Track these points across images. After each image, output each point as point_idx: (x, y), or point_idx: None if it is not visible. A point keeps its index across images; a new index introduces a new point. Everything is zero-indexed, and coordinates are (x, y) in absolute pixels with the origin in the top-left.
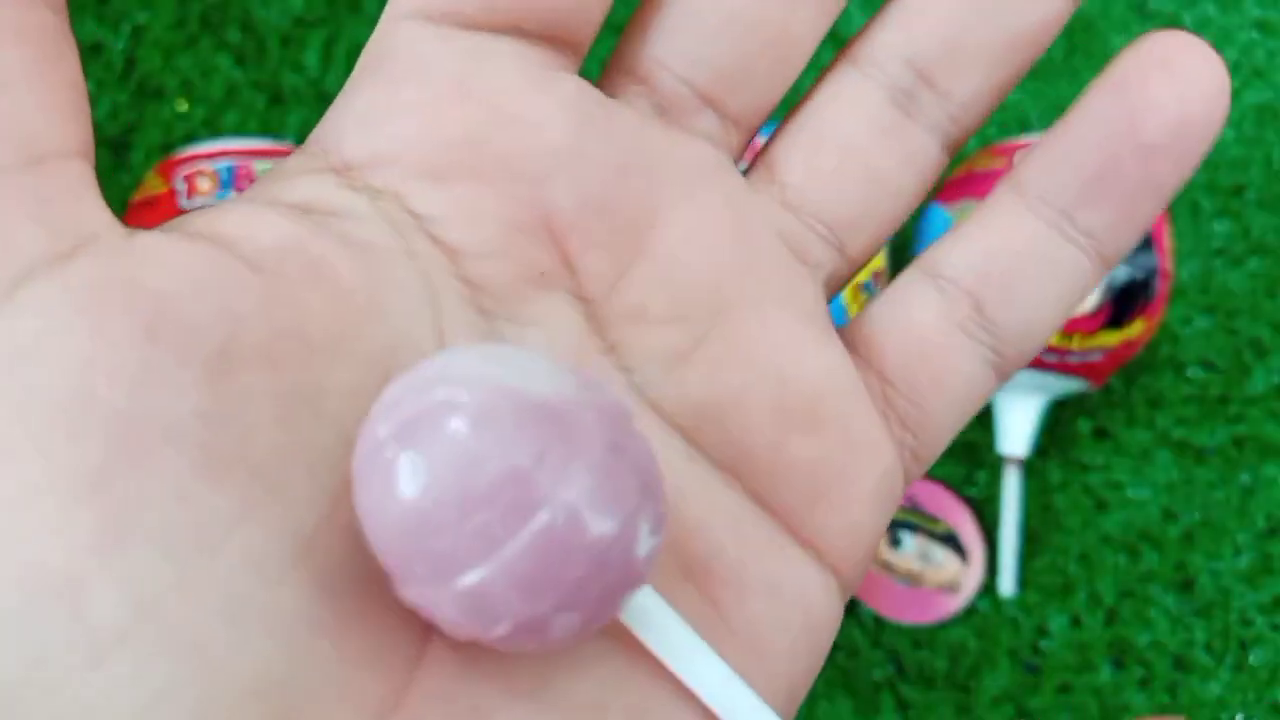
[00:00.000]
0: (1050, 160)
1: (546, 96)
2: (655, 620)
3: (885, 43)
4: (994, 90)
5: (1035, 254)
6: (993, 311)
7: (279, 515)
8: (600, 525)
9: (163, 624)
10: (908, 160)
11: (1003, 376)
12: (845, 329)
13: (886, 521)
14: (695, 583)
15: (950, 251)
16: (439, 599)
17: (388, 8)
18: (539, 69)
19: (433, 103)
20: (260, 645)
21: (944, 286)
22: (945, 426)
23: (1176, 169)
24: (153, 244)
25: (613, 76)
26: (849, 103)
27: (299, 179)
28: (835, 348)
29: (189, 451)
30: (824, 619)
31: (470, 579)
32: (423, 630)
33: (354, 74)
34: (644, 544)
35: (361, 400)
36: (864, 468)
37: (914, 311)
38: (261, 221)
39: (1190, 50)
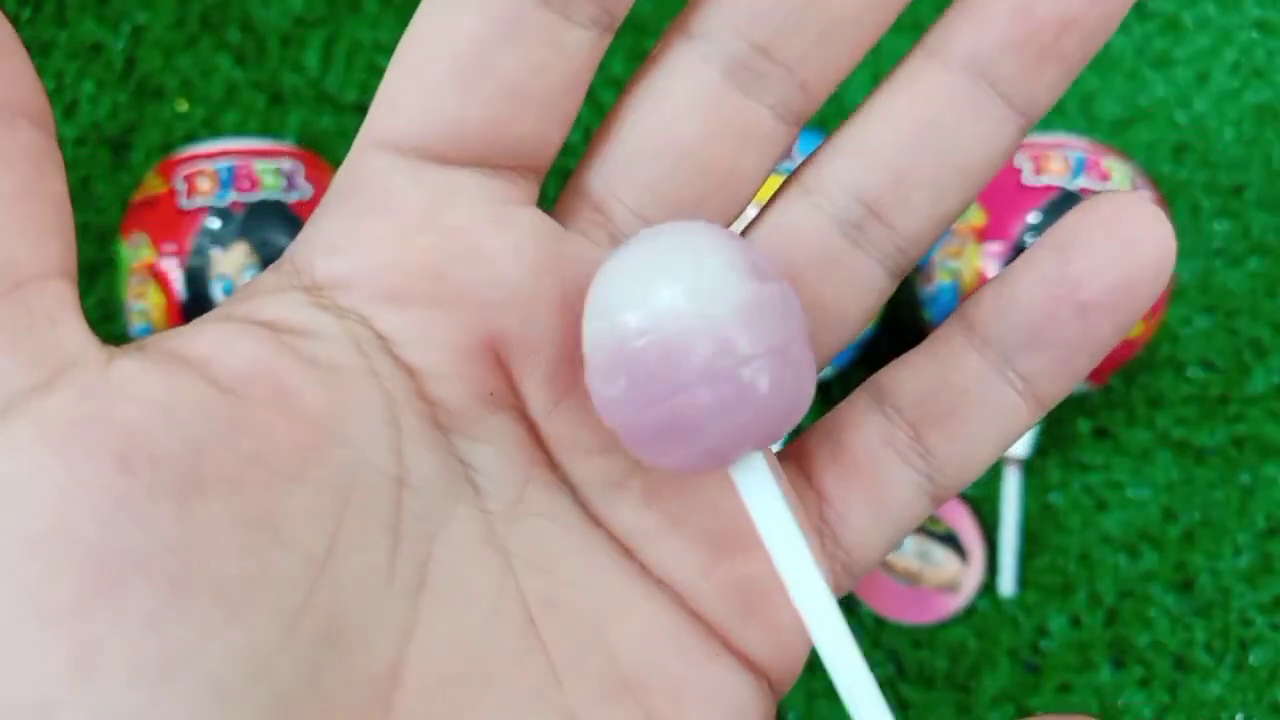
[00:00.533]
0: (998, 304)
1: (503, 232)
2: (759, 484)
3: (834, 174)
4: (941, 220)
5: (975, 392)
6: (931, 441)
7: (239, 639)
8: (759, 377)
9: None
10: (853, 291)
11: (936, 503)
12: (788, 445)
13: None
14: (634, 694)
15: (899, 378)
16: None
17: (360, 135)
18: (499, 204)
19: (396, 234)
20: None
21: (888, 412)
22: (875, 546)
23: (1114, 326)
24: (127, 372)
25: (570, 200)
26: (798, 232)
27: (272, 296)
28: None
29: (156, 581)
30: None
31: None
32: None
33: (326, 197)
34: (787, 407)
35: (320, 520)
36: None
37: (856, 434)
38: (232, 345)
39: (1136, 214)
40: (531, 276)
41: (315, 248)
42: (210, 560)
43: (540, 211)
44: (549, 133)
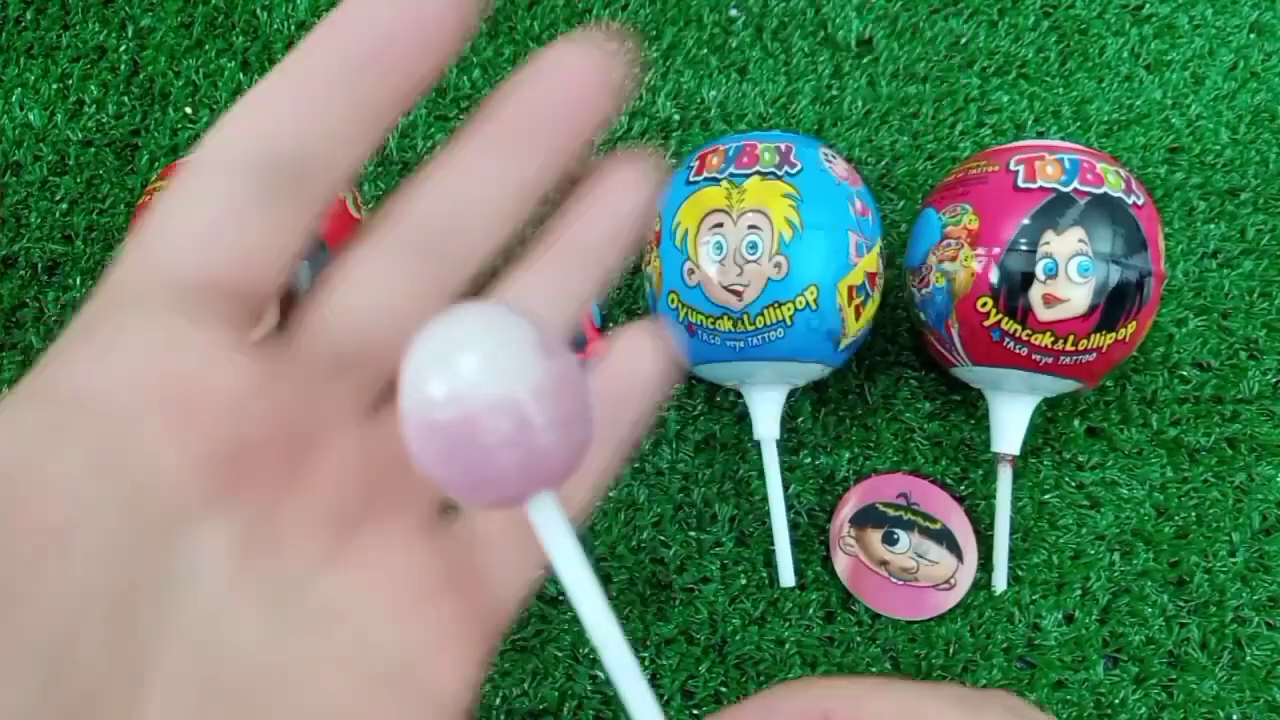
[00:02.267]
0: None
1: (228, 357)
2: (550, 517)
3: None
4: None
5: None
6: None
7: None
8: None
9: None
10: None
11: None
12: None
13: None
14: None
15: None
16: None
17: (122, 261)
18: (231, 329)
19: (139, 353)
20: None
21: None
22: None
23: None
24: None
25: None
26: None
27: (18, 407)
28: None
29: None
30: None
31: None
32: None
33: (83, 319)
34: (568, 451)
35: (72, 603)
36: None
37: None
38: None
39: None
40: (249, 394)
41: (64, 366)
42: None
43: (263, 341)
44: (267, 275)
